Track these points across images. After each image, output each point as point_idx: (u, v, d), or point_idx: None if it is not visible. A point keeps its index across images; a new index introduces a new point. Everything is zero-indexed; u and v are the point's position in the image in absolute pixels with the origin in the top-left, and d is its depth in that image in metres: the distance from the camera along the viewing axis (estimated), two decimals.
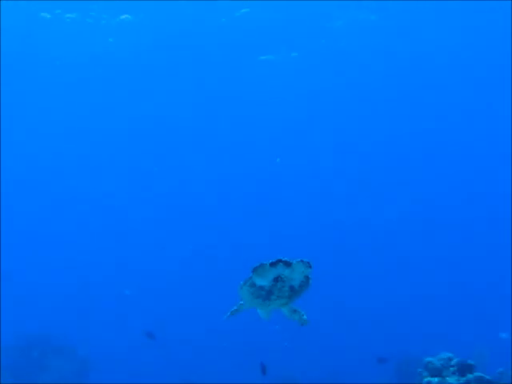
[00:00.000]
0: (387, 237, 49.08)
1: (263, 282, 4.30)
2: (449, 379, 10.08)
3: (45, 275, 43.06)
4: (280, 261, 4.14)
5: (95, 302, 40.55)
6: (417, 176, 44.78)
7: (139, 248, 46.64)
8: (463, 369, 10.22)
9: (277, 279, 4.29)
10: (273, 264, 4.12)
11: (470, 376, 10.02)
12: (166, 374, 27.55)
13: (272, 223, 46.53)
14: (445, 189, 45.94)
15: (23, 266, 42.96)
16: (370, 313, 45.66)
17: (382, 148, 40.60)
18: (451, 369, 10.33)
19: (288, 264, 4.17)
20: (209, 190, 47.48)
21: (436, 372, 10.36)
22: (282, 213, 46.90)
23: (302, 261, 4.27)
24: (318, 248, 39.51)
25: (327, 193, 45.90)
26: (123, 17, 26.34)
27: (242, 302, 4.89)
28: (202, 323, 34.31)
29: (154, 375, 28.74)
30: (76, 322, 35.48)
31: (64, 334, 26.17)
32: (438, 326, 45.35)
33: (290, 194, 46.60)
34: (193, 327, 36.61)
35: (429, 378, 10.32)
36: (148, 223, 46.90)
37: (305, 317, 4.81)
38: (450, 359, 10.53)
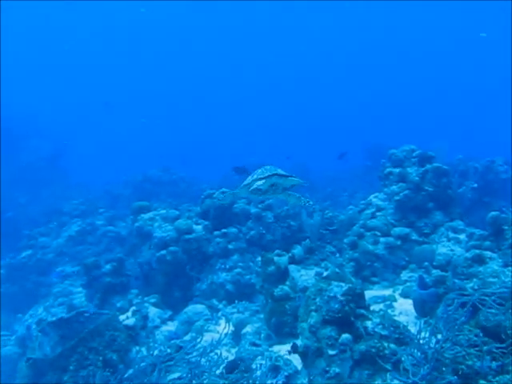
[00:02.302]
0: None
1: (262, 186, 5.42)
2: (409, 169, 10.74)
3: None
4: (275, 174, 5.36)
5: None
6: None
7: None
8: (423, 160, 10.82)
9: (272, 185, 5.47)
10: (269, 176, 5.34)
11: (428, 166, 10.66)
12: None
13: None
14: None
15: None
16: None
17: None
18: (412, 160, 10.90)
19: (281, 175, 5.40)
20: None
21: (398, 163, 10.97)
22: None
23: (293, 175, 5.55)
24: None
25: None
26: None
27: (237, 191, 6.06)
28: None
29: None
30: None
31: None
32: (406, 121, 47.51)
33: None
34: None
35: (391, 169, 10.97)
36: None
37: (310, 202, 6.08)
38: (412, 151, 11.01)
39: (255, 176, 5.42)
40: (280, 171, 5.40)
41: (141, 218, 11.36)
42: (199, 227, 11.09)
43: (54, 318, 11.66)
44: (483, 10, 45.26)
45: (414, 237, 9.93)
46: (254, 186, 5.32)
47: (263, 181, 5.26)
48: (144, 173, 23.96)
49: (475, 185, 14.15)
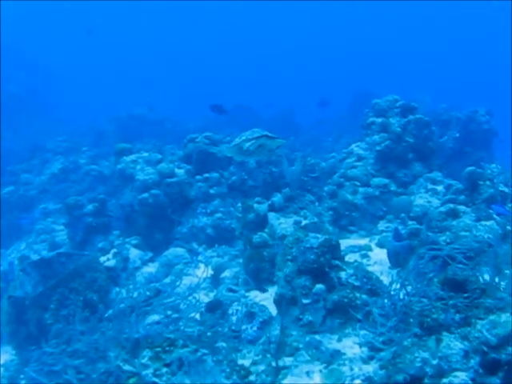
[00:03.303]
0: None
1: (250, 147, 5.65)
2: (391, 119, 10.79)
3: None
4: (264, 135, 5.60)
5: None
6: None
7: None
8: (406, 110, 10.88)
9: (260, 146, 5.68)
10: (258, 137, 5.56)
11: (410, 117, 10.74)
12: None
13: None
14: None
15: None
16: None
17: None
18: (395, 110, 10.94)
19: (270, 137, 5.63)
20: None
21: (381, 113, 11.01)
22: None
23: (280, 137, 5.92)
24: None
25: None
26: None
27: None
28: None
29: None
30: None
31: None
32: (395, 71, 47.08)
33: None
34: None
35: (373, 118, 11.01)
36: None
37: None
38: (395, 101, 11.05)
39: (244, 137, 5.56)
40: (268, 133, 5.65)
41: (123, 161, 11.34)
42: (181, 171, 11.12)
43: (36, 257, 11.88)
44: None
45: (393, 188, 10.10)
46: (244, 148, 5.50)
47: (252, 141, 5.42)
48: (129, 110, 23.72)
49: (457, 134, 14.26)
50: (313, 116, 26.83)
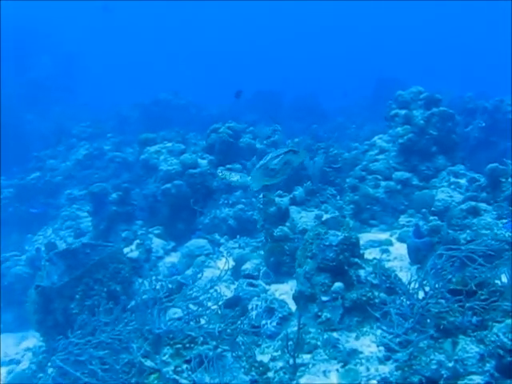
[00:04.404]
0: None
1: (276, 166, 5.65)
2: (415, 112, 10.71)
3: None
4: (291, 150, 5.56)
5: None
6: None
7: None
8: (430, 103, 10.78)
9: (286, 163, 5.64)
10: (286, 152, 5.52)
11: (434, 109, 10.64)
12: None
13: None
14: None
15: None
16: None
17: None
18: (419, 102, 10.85)
19: (295, 152, 5.59)
20: None
21: (404, 105, 10.93)
22: None
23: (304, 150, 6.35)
24: None
25: None
26: None
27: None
28: None
29: None
30: None
31: None
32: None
33: None
34: None
35: (397, 110, 10.95)
36: None
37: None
38: (419, 93, 10.94)
39: (269, 157, 5.68)
40: (292, 148, 5.70)
41: (147, 151, 11.51)
42: (204, 162, 11.25)
43: (62, 244, 12.16)
44: None
45: (415, 182, 10.07)
46: (271, 166, 5.63)
47: (280, 157, 5.51)
48: (153, 96, 23.86)
49: (483, 124, 14.09)
50: (337, 102, 26.73)
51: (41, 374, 7.68)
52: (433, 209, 9.27)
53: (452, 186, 9.82)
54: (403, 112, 10.80)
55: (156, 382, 4.95)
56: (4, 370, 8.83)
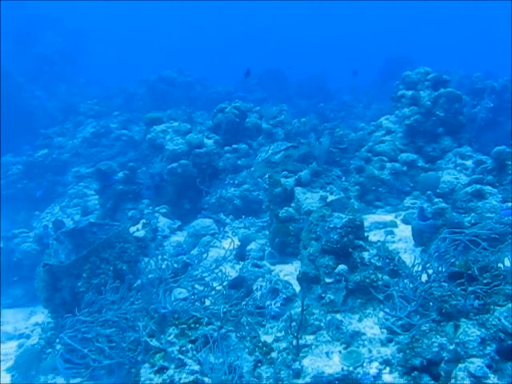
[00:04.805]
0: None
1: (277, 159, 6.20)
2: (422, 93, 10.65)
3: None
4: (292, 146, 6.14)
5: None
6: None
7: None
8: (437, 83, 10.70)
9: (287, 156, 6.20)
10: (286, 148, 6.11)
11: (442, 90, 10.57)
12: None
13: None
14: None
15: None
16: None
17: None
18: (426, 83, 10.78)
19: (295, 147, 6.15)
20: None
21: (411, 85, 10.87)
22: None
23: (307, 143, 6.57)
24: None
25: None
26: None
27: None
28: None
29: None
30: None
31: None
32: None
33: None
34: None
35: (404, 91, 10.88)
36: None
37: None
38: (426, 73, 10.87)
39: (270, 151, 5.98)
40: (293, 144, 6.20)
41: (153, 130, 11.52)
42: (210, 141, 11.26)
43: (69, 221, 12.26)
44: None
45: (421, 163, 10.06)
46: (273, 160, 6.00)
47: (281, 153, 5.90)
48: (159, 73, 23.76)
49: (491, 104, 14.01)
50: (344, 81, 26.56)
51: (49, 350, 7.84)
52: (438, 190, 9.28)
53: (458, 168, 9.81)
54: (410, 93, 10.75)
55: (161, 361, 5.05)
56: (14, 343, 9.05)
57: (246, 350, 5.32)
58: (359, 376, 4.84)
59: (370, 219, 9.00)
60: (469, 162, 9.89)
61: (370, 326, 5.60)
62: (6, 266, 10.88)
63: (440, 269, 5.35)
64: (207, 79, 25.10)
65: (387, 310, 5.28)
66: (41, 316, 9.52)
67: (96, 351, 6.12)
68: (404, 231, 8.54)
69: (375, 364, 4.94)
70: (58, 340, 7.47)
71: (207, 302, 5.96)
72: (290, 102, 19.91)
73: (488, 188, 7.65)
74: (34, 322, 9.69)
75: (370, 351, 5.13)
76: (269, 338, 5.69)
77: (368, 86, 25.04)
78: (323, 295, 6.10)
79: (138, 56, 43.98)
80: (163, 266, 6.68)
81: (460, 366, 4.51)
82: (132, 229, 9.29)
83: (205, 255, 7.43)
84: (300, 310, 5.66)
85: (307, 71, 26.19)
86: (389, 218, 9.20)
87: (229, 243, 8.32)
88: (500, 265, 5.19)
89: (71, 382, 6.80)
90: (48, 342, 8.01)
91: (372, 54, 33.99)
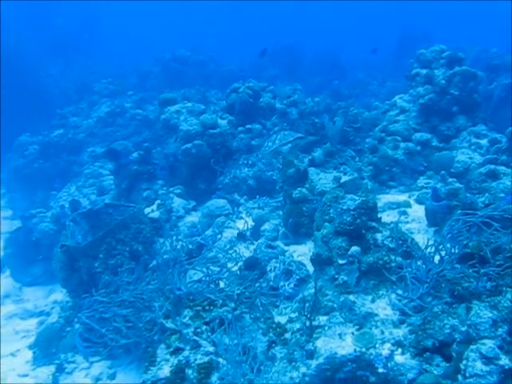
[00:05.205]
0: None
1: (285, 150, 6.81)
2: (436, 71, 10.53)
3: None
4: (298, 137, 6.80)
5: None
6: None
7: None
8: (452, 61, 10.58)
9: (294, 146, 6.68)
10: (294, 139, 6.79)
11: (457, 69, 10.46)
12: None
13: None
14: None
15: None
16: None
17: None
18: (441, 61, 10.65)
19: (302, 137, 6.78)
20: None
21: (426, 64, 10.75)
22: None
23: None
24: None
25: None
26: None
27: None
28: None
29: None
30: None
31: None
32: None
33: None
34: None
35: (418, 70, 10.78)
36: None
37: None
38: (441, 51, 10.72)
39: (277, 142, 6.13)
40: (300, 135, 6.25)
41: (167, 111, 11.55)
42: (224, 122, 11.27)
43: (85, 201, 12.41)
44: None
45: (435, 143, 10.00)
46: (282, 150, 6.19)
47: (288, 144, 6.07)
48: (173, 52, 23.70)
49: (508, 80, 13.81)
50: (358, 57, 26.29)
51: (69, 328, 8.04)
52: (452, 170, 9.25)
53: (472, 147, 9.75)
54: (424, 71, 10.63)
55: (177, 342, 5.15)
56: (35, 320, 9.29)
57: (260, 331, 5.42)
58: (371, 357, 4.92)
59: (383, 199, 9.01)
60: (483, 141, 9.82)
61: (383, 307, 5.65)
62: (25, 246, 11.11)
63: (453, 250, 5.38)
64: (221, 57, 25.02)
65: (400, 292, 5.34)
66: (59, 294, 9.74)
67: (113, 331, 6.27)
68: (417, 211, 8.55)
69: (387, 345, 5.01)
70: (76, 319, 7.67)
71: (221, 284, 6.05)
72: (303, 79, 19.80)
73: (502, 168, 7.62)
74: (53, 299, 9.91)
75: (383, 332, 5.19)
76: (282, 319, 5.78)
77: (383, 62, 24.76)
78: (336, 276, 6.15)
79: (153, 35, 43.74)
80: (178, 247, 6.78)
81: (472, 347, 4.56)
82: (147, 210, 9.41)
83: (219, 236, 7.53)
84: (313, 291, 5.72)
85: (321, 47, 25.97)
86: (402, 198, 9.20)
87: (243, 224, 8.44)
88: None
89: (90, 360, 6.99)
90: (67, 321, 8.20)
91: (387, 28, 33.44)
